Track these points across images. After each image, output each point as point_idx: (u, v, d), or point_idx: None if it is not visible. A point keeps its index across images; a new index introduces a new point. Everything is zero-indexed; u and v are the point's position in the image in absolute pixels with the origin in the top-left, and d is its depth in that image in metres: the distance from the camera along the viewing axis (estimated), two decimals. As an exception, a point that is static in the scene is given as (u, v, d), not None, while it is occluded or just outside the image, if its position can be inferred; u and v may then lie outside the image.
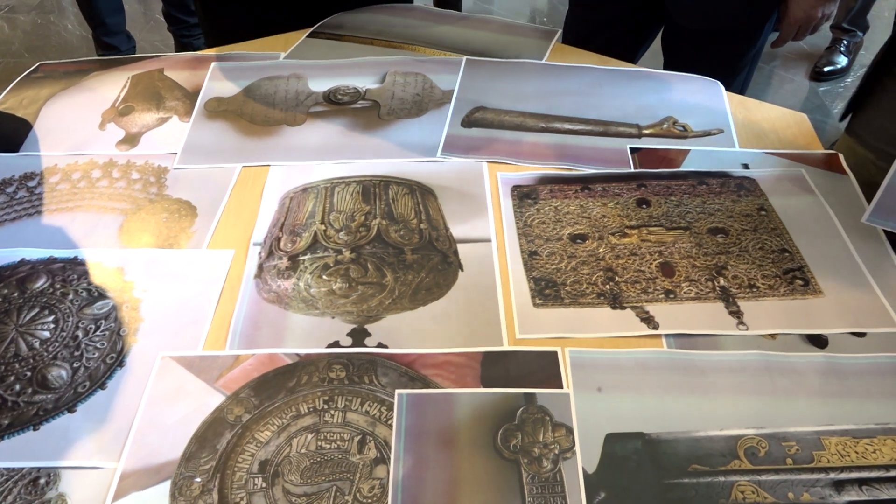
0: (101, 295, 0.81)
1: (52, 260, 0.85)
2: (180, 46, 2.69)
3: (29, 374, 0.73)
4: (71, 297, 0.81)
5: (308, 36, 1.30)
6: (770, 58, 3.03)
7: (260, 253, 0.86)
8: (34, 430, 0.69)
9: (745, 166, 0.98)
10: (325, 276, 0.83)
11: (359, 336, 0.77)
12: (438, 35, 1.29)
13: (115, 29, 2.42)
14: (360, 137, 1.04)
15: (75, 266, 0.85)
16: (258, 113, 1.10)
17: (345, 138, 1.04)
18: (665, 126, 1.06)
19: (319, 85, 1.16)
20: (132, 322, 0.78)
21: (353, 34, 1.30)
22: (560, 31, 1.30)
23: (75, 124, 1.08)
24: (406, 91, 1.14)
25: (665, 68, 1.67)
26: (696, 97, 1.13)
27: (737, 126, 1.06)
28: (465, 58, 1.20)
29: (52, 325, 0.78)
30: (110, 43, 2.43)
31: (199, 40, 2.66)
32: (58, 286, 0.82)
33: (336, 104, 1.12)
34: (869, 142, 1.03)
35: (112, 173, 0.99)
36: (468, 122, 1.06)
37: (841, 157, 1.00)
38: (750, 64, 1.63)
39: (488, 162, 0.99)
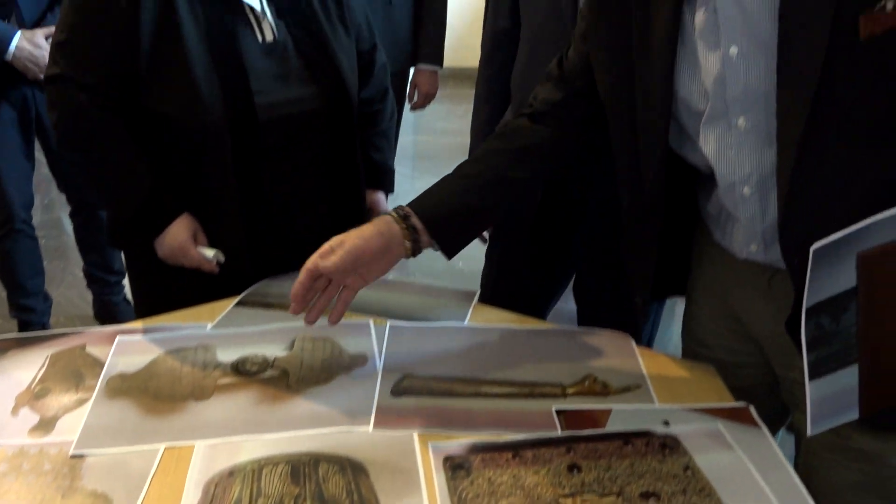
0: None
1: (-56, 576, 0.77)
2: (100, 303, 2.69)
3: None
4: None
5: (236, 304, 1.33)
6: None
7: (181, 551, 0.81)
8: None
9: (666, 423, 1.02)
10: (252, 576, 0.78)
11: None
12: (363, 300, 1.34)
13: (34, 290, 2.41)
14: (269, 410, 1.04)
15: (-30, 582, 0.76)
16: (163, 388, 1.08)
17: (254, 411, 1.03)
18: (587, 384, 1.11)
19: (228, 355, 1.16)
20: None
21: (282, 301, 1.34)
22: (478, 293, 1.38)
23: (-15, 411, 1.04)
24: (314, 357, 1.16)
25: (578, 313, 1.79)
26: (611, 352, 1.19)
27: (652, 381, 1.12)
28: (389, 323, 1.24)
29: None
30: (26, 304, 2.40)
31: (119, 296, 2.67)
32: None
33: (244, 375, 1.12)
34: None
35: (22, 466, 0.93)
36: (397, 391, 1.08)
37: (751, 408, 1.05)
38: (656, 311, 1.75)
39: (419, 434, 0.99)
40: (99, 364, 1.15)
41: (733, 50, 0.88)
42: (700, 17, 0.90)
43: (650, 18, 0.96)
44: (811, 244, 0.78)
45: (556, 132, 1.14)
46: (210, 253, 1.34)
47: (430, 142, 5.23)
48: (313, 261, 1.05)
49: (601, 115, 1.09)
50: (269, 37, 1.35)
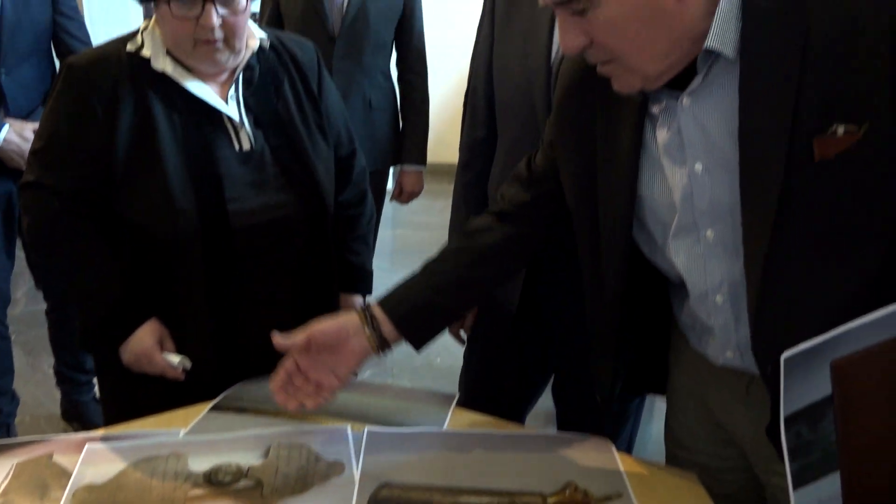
0: None
1: None
2: (68, 402, 2.62)
3: None
4: None
5: (210, 409, 1.30)
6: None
7: None
8: None
9: (649, 534, 1.01)
10: None
11: None
12: (340, 403, 1.32)
13: (1, 390, 2.34)
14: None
15: None
16: (132, 501, 1.05)
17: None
18: (567, 493, 1.09)
19: (200, 464, 1.13)
20: None
21: (256, 406, 1.31)
22: (457, 396, 1.37)
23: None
24: (290, 465, 1.13)
25: (556, 414, 1.77)
26: (591, 458, 1.18)
27: (634, 489, 1.10)
28: (366, 429, 1.22)
29: None
30: (-7, 405, 2.33)
31: (88, 395, 2.60)
32: None
33: (217, 485, 1.09)
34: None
35: (-22, 589, 0.89)
36: (375, 501, 1.05)
37: (736, 519, 1.04)
38: (636, 412, 1.75)
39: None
40: (66, 474, 1.11)
41: (698, 166, 0.92)
42: (664, 134, 0.95)
43: (614, 131, 1.00)
44: (783, 352, 0.79)
45: (522, 230, 1.18)
46: (175, 359, 1.33)
47: (409, 236, 5.27)
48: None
49: (567, 216, 1.12)
50: (247, 146, 1.37)
